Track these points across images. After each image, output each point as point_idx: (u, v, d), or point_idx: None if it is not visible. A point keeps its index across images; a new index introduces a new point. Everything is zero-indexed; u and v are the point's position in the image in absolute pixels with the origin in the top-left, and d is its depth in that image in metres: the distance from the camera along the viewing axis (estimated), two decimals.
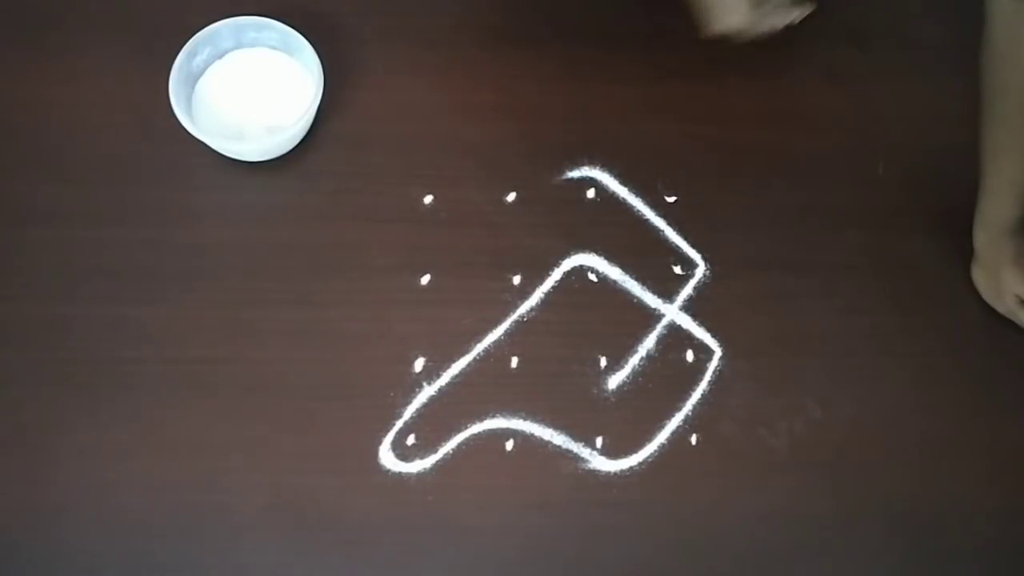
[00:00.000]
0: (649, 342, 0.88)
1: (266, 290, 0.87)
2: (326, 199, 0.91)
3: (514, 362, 0.86)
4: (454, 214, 0.91)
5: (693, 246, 0.91)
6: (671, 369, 0.87)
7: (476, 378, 0.85)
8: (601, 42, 0.98)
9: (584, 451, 0.84)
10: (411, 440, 0.83)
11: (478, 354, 0.86)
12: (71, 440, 0.81)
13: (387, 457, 0.83)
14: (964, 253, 0.90)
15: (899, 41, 1.01)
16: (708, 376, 0.87)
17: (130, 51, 0.94)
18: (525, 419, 0.84)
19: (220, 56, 0.92)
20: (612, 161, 0.94)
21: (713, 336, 0.88)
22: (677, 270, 0.91)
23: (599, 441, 0.84)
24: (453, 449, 0.83)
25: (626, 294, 0.90)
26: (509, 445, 0.84)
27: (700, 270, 0.91)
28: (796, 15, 0.86)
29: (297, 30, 0.90)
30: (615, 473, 0.83)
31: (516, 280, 0.89)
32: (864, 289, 0.91)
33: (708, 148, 0.95)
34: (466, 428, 0.84)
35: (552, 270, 0.90)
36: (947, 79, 0.96)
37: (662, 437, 0.85)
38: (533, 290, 0.89)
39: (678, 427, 0.85)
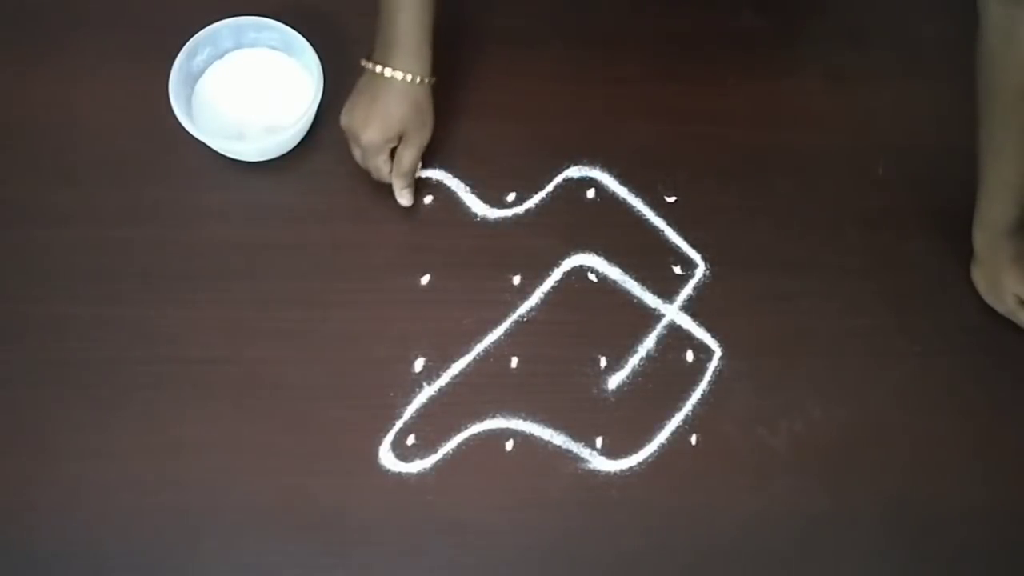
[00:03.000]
0: (649, 342, 0.88)
1: (266, 290, 0.87)
2: (326, 199, 0.91)
3: (514, 362, 0.86)
4: (454, 214, 0.91)
5: (693, 246, 0.91)
6: (671, 369, 0.87)
7: (476, 378, 0.85)
8: (601, 42, 0.99)
9: (584, 451, 0.84)
10: (411, 440, 0.83)
11: (478, 354, 0.86)
12: (71, 440, 0.82)
13: (387, 457, 0.83)
14: (964, 253, 0.90)
15: (899, 41, 1.01)
16: (708, 376, 0.87)
17: (130, 51, 0.94)
18: (525, 419, 0.84)
19: (220, 56, 0.92)
20: (612, 161, 0.94)
21: (713, 336, 0.88)
22: (677, 270, 0.91)
23: (599, 441, 0.84)
24: (453, 449, 0.83)
25: (626, 294, 0.90)
26: (509, 445, 0.84)
27: (700, 270, 0.91)
28: None
29: (297, 30, 0.90)
30: (615, 473, 0.84)
31: (516, 280, 0.89)
32: (863, 289, 0.91)
33: (708, 148, 0.95)
34: (466, 428, 0.84)
35: (552, 270, 0.90)
36: (947, 79, 0.96)
37: (662, 437, 0.85)
38: (533, 290, 0.89)
39: (678, 427, 0.85)
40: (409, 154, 0.86)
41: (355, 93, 0.85)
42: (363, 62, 0.85)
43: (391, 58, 0.83)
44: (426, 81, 0.84)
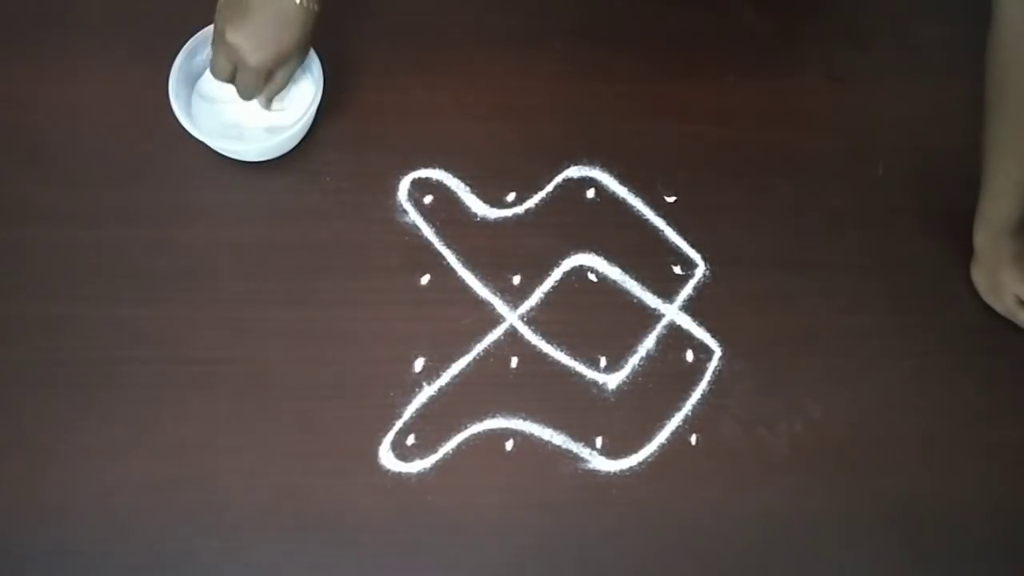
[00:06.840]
0: (649, 342, 0.88)
1: (266, 290, 0.87)
2: (326, 199, 0.91)
3: (514, 362, 0.86)
4: (454, 214, 0.91)
5: (693, 246, 0.91)
6: (671, 369, 0.87)
7: (476, 378, 0.85)
8: (601, 42, 0.99)
9: (584, 451, 0.84)
10: (411, 440, 0.83)
11: (478, 354, 0.86)
12: (71, 440, 0.82)
13: (387, 457, 0.83)
14: (964, 253, 0.90)
15: (899, 41, 1.01)
16: (708, 376, 0.87)
17: (130, 51, 0.94)
18: (525, 419, 0.84)
19: None
20: (612, 161, 0.94)
21: (713, 336, 0.88)
22: (677, 270, 0.91)
23: (599, 441, 0.84)
24: (453, 449, 0.83)
25: (626, 294, 0.90)
26: (509, 445, 0.84)
27: (700, 270, 0.91)
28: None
29: None
30: (615, 473, 0.84)
31: (516, 280, 0.89)
32: (864, 289, 0.91)
33: (708, 148, 0.95)
34: (466, 428, 0.84)
35: (552, 270, 0.90)
36: (947, 79, 0.96)
37: (662, 437, 0.85)
38: (533, 290, 0.89)
39: (678, 427, 0.85)
40: (285, 75, 0.86)
41: (244, 9, 0.81)
42: None
43: None
44: (315, 7, 0.83)
